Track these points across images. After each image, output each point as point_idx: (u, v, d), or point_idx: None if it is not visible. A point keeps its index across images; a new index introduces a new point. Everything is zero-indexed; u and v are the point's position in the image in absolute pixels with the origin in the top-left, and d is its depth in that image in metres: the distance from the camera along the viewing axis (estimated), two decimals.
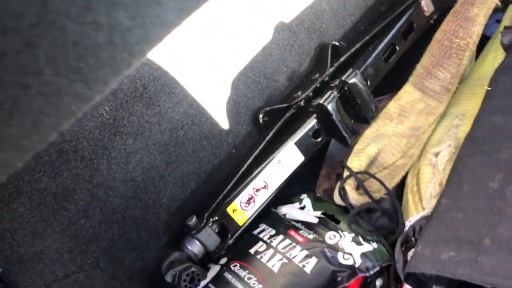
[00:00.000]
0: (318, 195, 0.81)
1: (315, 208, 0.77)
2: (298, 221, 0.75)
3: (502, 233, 0.53)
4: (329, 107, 0.71)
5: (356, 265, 0.66)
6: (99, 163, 0.63)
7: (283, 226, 0.74)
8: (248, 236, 0.74)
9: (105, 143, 0.63)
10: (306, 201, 0.79)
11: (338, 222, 0.73)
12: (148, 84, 0.66)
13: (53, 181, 0.59)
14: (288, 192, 0.84)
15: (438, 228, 0.59)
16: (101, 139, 0.63)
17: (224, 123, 0.74)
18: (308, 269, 0.65)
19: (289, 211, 0.78)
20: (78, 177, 0.62)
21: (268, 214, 0.78)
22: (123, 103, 0.64)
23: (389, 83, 0.87)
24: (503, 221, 0.54)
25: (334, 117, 0.72)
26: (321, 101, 0.72)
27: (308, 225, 0.73)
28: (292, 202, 0.80)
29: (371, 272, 0.66)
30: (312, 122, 0.74)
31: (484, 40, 0.86)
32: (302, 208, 0.78)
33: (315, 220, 0.74)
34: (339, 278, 0.65)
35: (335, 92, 0.73)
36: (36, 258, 0.58)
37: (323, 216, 0.75)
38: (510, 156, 0.62)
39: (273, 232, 0.73)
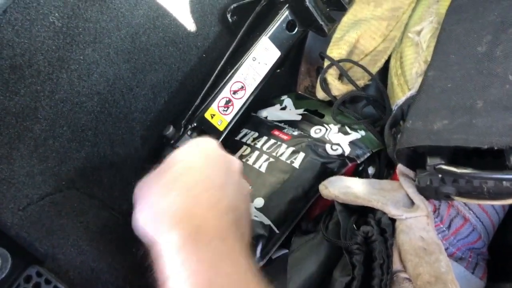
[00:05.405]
0: (300, 92, 0.77)
1: (297, 107, 0.74)
2: (280, 121, 0.71)
3: (494, 93, 0.51)
4: None
5: (346, 154, 0.63)
6: (59, 77, 0.57)
7: (266, 128, 0.70)
8: (231, 142, 0.70)
9: (61, 54, 0.57)
10: (287, 101, 0.76)
11: (322, 116, 0.70)
12: None
13: (11, 100, 0.54)
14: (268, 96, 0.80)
15: (427, 100, 0.56)
16: (56, 50, 0.57)
17: (190, 26, 0.68)
18: (296, 164, 0.63)
19: (270, 113, 0.74)
20: (38, 94, 0.56)
21: (249, 119, 0.74)
22: (75, 9, 0.58)
23: None
24: (494, 81, 0.52)
25: (307, 3, 0.66)
26: None
27: (291, 123, 0.70)
28: (272, 104, 0.76)
29: (362, 159, 0.63)
30: (285, 13, 0.68)
31: None
32: (284, 108, 0.75)
33: (298, 118, 0.71)
34: (329, 169, 0.63)
35: None
36: (6, 184, 0.54)
37: (306, 112, 0.72)
38: (497, 17, 0.58)
39: (256, 134, 0.70)
